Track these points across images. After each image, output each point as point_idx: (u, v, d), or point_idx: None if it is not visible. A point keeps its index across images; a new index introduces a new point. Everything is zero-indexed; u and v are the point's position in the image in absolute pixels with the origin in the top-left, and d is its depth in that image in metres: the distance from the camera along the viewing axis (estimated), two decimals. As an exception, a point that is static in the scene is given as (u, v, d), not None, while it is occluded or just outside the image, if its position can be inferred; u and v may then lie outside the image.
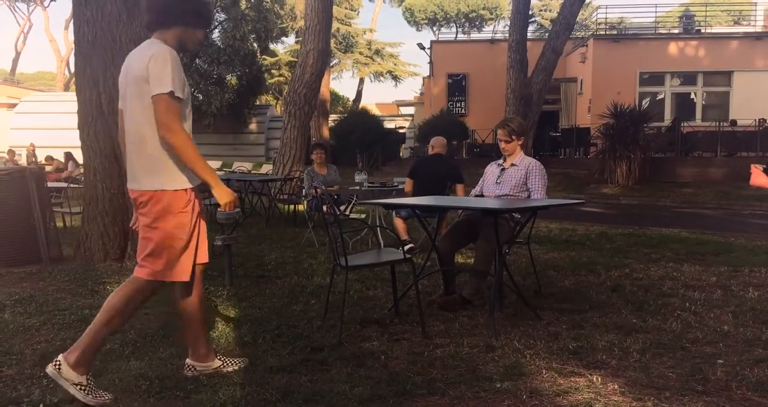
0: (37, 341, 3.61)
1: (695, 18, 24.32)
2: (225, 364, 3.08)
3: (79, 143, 5.89)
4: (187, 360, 3.07)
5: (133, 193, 2.86)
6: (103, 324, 2.80)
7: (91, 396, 2.70)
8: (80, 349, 2.75)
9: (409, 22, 45.07)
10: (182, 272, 2.84)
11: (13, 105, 26.70)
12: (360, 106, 36.01)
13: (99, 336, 2.80)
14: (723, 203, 13.27)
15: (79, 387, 2.69)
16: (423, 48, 26.77)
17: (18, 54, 41.20)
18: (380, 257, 4.14)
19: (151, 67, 2.65)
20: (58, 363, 2.71)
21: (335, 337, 3.60)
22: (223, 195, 2.78)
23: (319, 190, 7.25)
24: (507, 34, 19.17)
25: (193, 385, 2.91)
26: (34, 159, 15.88)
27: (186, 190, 2.80)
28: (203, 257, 2.92)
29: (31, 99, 26.56)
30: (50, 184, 7.61)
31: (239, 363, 3.12)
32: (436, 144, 6.77)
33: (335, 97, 39.32)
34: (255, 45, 25.75)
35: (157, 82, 2.64)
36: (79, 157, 7.39)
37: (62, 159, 15.49)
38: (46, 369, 2.74)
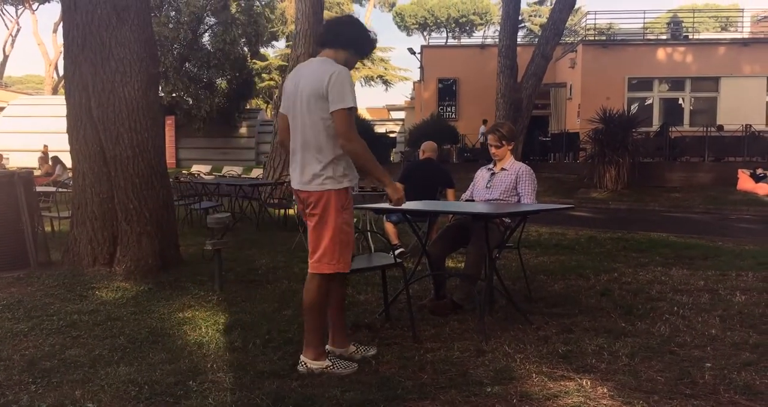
0: (25, 346, 3.58)
1: (683, 24, 24.56)
2: (358, 351, 3.34)
3: (67, 147, 5.85)
4: (327, 347, 3.31)
5: (302, 193, 3.19)
6: (312, 320, 3.17)
7: (342, 369, 3.15)
8: (311, 345, 3.17)
9: (399, 26, 45.25)
10: (347, 265, 3.18)
11: (1, 109, 26.51)
12: (350, 110, 36.00)
13: (316, 329, 3.17)
14: (711, 207, 13.38)
15: (327, 368, 3.14)
16: (413, 53, 26.88)
17: (6, 57, 40.88)
18: (371, 261, 4.15)
19: (332, 85, 3.00)
20: (303, 363, 3.16)
21: (326, 342, 3.60)
22: (394, 191, 3.24)
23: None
24: (497, 40, 19.25)
25: (182, 391, 2.90)
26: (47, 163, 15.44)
27: (347, 189, 3.15)
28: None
29: (19, 102, 26.42)
30: (39, 188, 7.56)
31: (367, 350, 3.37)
32: (427, 149, 6.79)
33: (326, 102, 39.29)
34: (245, 49, 25.74)
35: (338, 99, 2.99)
36: (66, 160, 7.35)
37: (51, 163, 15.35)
38: (299, 369, 3.14)
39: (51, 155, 15.67)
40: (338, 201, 3.11)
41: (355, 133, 3.05)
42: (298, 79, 3.17)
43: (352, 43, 3.23)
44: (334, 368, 3.15)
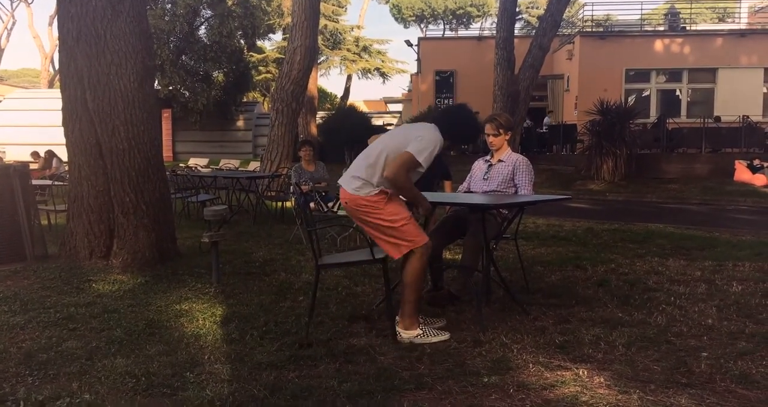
0: (22, 339, 3.59)
1: (680, 15, 24.48)
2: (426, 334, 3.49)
3: (63, 141, 5.83)
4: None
5: (344, 193, 3.58)
6: (408, 292, 3.51)
7: (431, 337, 3.46)
8: (405, 315, 3.50)
9: (396, 19, 45.02)
10: (417, 240, 3.48)
11: (-3, 102, 26.38)
12: (348, 103, 35.89)
13: (411, 301, 3.50)
14: (708, 198, 13.39)
15: (418, 337, 3.45)
16: (411, 45, 26.78)
17: (1, 51, 40.63)
18: (353, 257, 4.17)
19: (421, 138, 3.50)
20: (398, 333, 3.47)
21: (323, 333, 3.61)
22: (426, 206, 3.71)
23: (305, 187, 7.22)
24: (494, 31, 19.16)
25: (180, 382, 2.90)
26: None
27: (380, 191, 3.50)
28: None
29: (14, 96, 26.28)
30: (35, 181, 7.54)
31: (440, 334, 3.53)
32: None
33: (323, 94, 39.20)
34: (242, 42, 25.60)
35: (416, 147, 3.45)
36: (62, 154, 7.33)
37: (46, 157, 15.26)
38: (398, 338, 3.45)
39: (27, 149, 15.56)
40: (376, 203, 3.49)
41: (405, 175, 3.46)
42: (403, 127, 3.87)
43: (450, 135, 3.65)
44: (424, 336, 3.44)
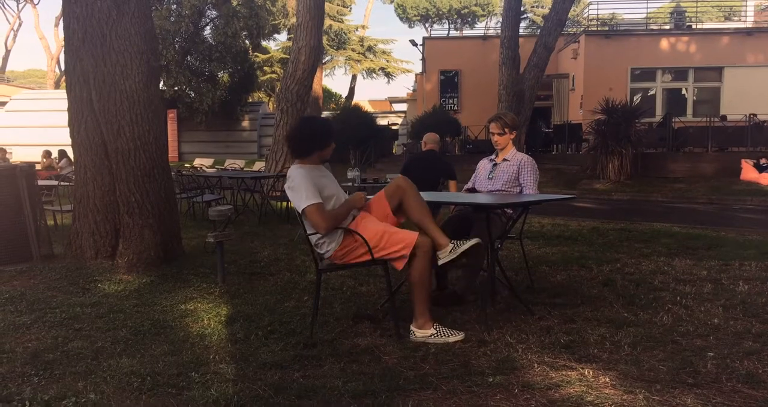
0: (28, 339, 3.60)
1: (686, 14, 24.41)
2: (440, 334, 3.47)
3: (70, 141, 5.86)
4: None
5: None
6: (417, 292, 3.52)
7: (444, 338, 3.44)
8: (418, 315, 3.50)
9: (401, 18, 45.03)
10: (407, 242, 3.45)
11: (3, 103, 26.53)
12: (352, 102, 35.94)
13: (422, 300, 3.51)
14: (714, 197, 13.34)
15: (432, 336, 3.44)
16: (415, 45, 26.80)
17: (8, 52, 41.01)
18: None
19: (294, 188, 3.56)
20: (412, 332, 3.49)
21: (328, 333, 3.61)
22: (358, 203, 3.70)
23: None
24: (499, 31, 19.16)
25: (185, 382, 2.91)
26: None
27: (339, 236, 3.59)
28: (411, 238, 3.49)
29: (21, 97, 26.44)
30: (41, 182, 7.57)
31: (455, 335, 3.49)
32: (429, 140, 6.77)
33: (328, 94, 39.28)
34: (247, 42, 25.69)
35: (300, 197, 3.52)
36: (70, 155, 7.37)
37: (55, 157, 15.33)
38: (410, 337, 3.47)
39: (34, 150, 15.61)
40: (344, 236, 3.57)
41: (323, 223, 3.49)
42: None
43: (315, 146, 3.70)
44: (438, 336, 3.44)
